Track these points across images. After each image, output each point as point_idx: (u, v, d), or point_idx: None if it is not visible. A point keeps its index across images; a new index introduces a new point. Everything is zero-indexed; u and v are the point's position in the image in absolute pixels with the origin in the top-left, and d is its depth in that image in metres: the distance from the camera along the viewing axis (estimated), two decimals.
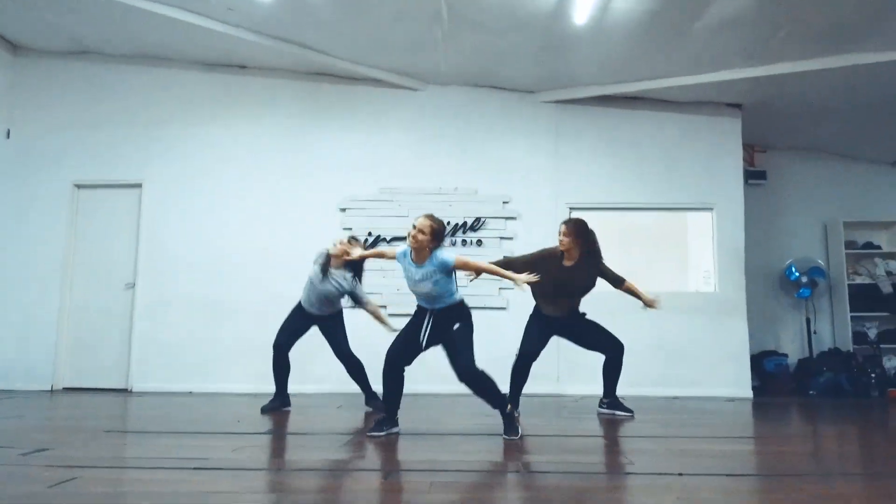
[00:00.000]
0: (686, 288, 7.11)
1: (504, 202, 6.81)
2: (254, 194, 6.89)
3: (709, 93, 6.60)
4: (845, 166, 7.91)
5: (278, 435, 4.13)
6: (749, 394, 6.59)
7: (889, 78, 5.79)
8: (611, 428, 4.38)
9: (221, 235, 6.83)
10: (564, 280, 4.61)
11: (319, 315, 5.14)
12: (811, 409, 5.98)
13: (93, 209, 6.96)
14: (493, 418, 4.01)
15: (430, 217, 3.83)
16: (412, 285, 3.85)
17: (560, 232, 4.65)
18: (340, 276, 5.04)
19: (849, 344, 7.36)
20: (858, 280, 7.56)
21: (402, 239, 6.64)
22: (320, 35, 6.09)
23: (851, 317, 7.42)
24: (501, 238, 6.75)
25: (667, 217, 7.06)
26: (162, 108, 7.01)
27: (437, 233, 3.79)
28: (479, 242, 6.74)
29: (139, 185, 6.92)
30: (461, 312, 3.87)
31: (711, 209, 6.86)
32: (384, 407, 3.98)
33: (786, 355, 7.48)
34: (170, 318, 6.71)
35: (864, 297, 7.47)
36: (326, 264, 5.03)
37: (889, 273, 7.50)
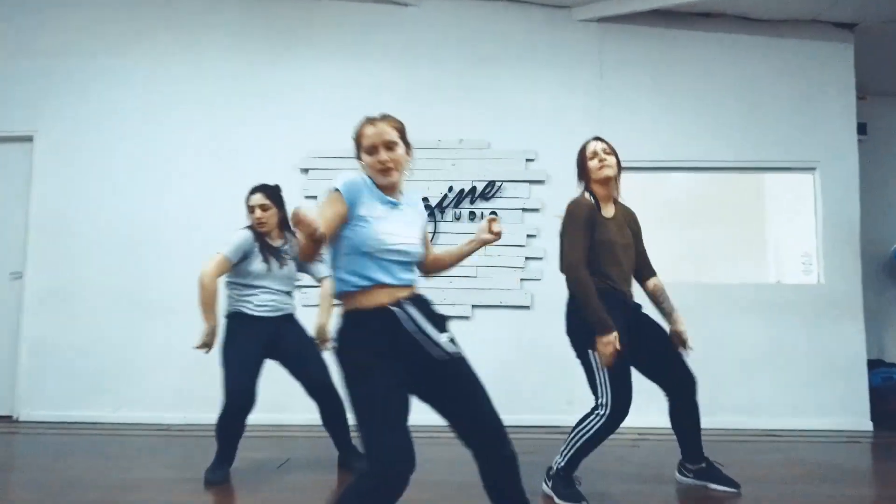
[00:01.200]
0: (766, 279, 5.27)
1: (528, 160, 4.95)
2: (187, 151, 5.06)
3: (814, 6, 4.70)
4: None
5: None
6: (868, 426, 4.76)
7: None
8: None
9: (142, 206, 5.01)
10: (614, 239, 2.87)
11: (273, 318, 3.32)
12: None
13: None
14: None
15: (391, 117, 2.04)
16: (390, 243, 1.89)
17: (596, 152, 2.91)
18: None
19: None
20: None
21: None
22: None
23: None
24: (524, 210, 4.90)
25: (735, 181, 5.18)
26: (62, 35, 5.14)
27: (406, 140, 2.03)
28: (494, 215, 4.88)
29: (29, 138, 5.07)
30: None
31: (813, 170, 4.98)
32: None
33: (894, 365, 5.67)
34: (71, 318, 4.91)
35: None
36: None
37: None
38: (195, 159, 5.04)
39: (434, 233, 4.83)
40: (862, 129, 5.87)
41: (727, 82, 5.00)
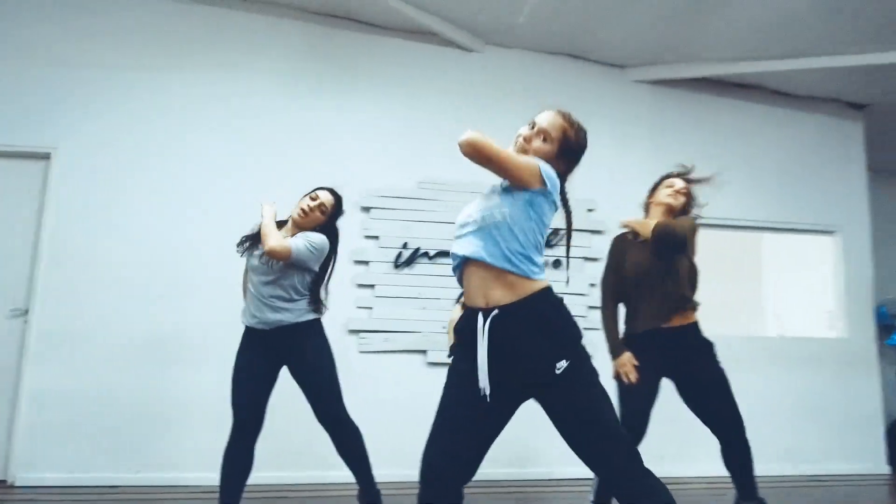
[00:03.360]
0: (765, 332, 5.66)
1: (588, 210, 5.02)
2: (229, 180, 4.61)
3: (837, 84, 5.25)
4: None
5: None
6: (884, 469, 5.15)
7: None
8: None
9: (175, 239, 4.48)
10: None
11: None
12: None
13: None
14: None
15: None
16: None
17: (673, 184, 3.10)
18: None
19: None
20: None
21: (447, 255, 4.66)
22: None
23: None
24: (585, 259, 4.94)
25: (739, 238, 5.56)
26: (88, 42, 4.58)
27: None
28: (557, 263, 4.88)
29: (46, 156, 4.43)
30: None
31: (833, 233, 5.45)
32: None
33: None
34: (82, 363, 4.23)
35: None
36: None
37: None
38: (240, 192, 4.59)
39: None
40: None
41: (762, 149, 5.40)
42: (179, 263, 4.44)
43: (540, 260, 1.95)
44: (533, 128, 2.04)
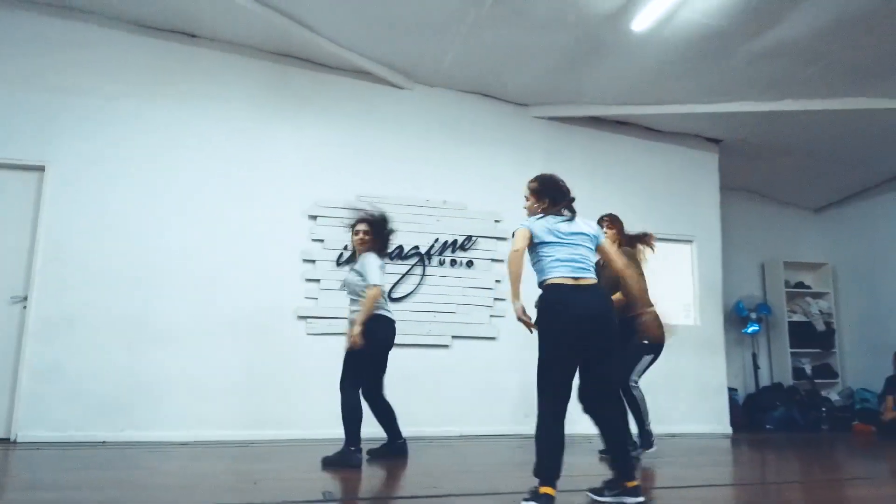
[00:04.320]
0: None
1: (496, 221, 6.18)
2: (197, 191, 5.55)
3: (695, 125, 6.61)
4: (778, 210, 8.41)
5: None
6: (728, 429, 6.53)
7: (862, 125, 6.15)
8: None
9: (150, 238, 5.39)
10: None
11: None
12: (807, 445, 5.99)
13: None
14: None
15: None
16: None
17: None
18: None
19: (788, 379, 7.68)
20: (794, 318, 7.96)
21: (386, 255, 5.73)
22: (311, 3, 5.09)
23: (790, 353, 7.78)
24: (493, 260, 6.10)
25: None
26: (79, 71, 5.43)
27: None
28: (470, 263, 6.02)
29: (41, 168, 5.28)
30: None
31: (691, 241, 6.81)
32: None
33: (736, 390, 7.62)
34: (76, 343, 5.10)
35: (799, 334, 7.88)
36: None
37: (821, 311, 7.99)
38: (206, 201, 5.52)
39: (422, 275, 5.84)
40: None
41: (636, 174, 6.71)
42: (156, 259, 5.36)
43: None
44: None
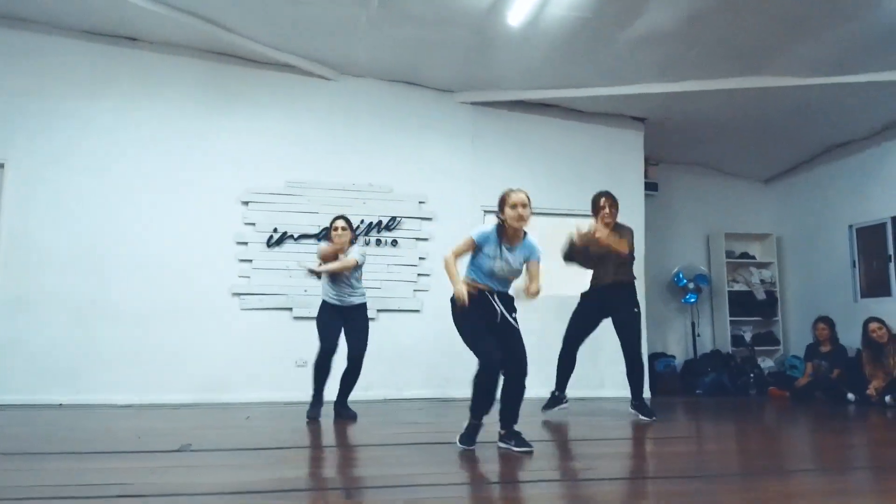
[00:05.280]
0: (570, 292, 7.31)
1: (420, 202, 6.63)
2: (141, 181, 6.15)
3: (618, 105, 6.85)
4: (725, 182, 8.57)
5: (197, 452, 3.65)
6: (648, 394, 6.89)
7: (777, 102, 6.32)
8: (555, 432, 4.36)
9: (100, 226, 6.03)
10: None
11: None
12: (709, 408, 6.35)
13: None
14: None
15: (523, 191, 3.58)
16: (499, 270, 3.54)
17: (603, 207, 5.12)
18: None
19: (728, 346, 7.97)
20: (736, 287, 8.20)
21: (312, 236, 6.28)
22: (227, 9, 5.56)
23: (730, 321, 8.04)
24: (417, 239, 6.56)
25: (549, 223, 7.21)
26: (33, 77, 6.06)
27: None
28: (395, 242, 6.50)
29: (0, 166, 5.95)
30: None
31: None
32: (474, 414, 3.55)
33: (673, 357, 7.95)
34: (34, 318, 5.81)
35: (740, 303, 8.13)
36: None
37: (762, 281, 8.21)
38: (149, 189, 6.13)
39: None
40: (654, 186, 8.20)
41: (563, 153, 7.02)
42: (106, 245, 6.01)
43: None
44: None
